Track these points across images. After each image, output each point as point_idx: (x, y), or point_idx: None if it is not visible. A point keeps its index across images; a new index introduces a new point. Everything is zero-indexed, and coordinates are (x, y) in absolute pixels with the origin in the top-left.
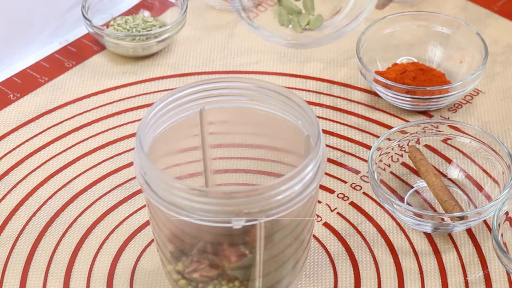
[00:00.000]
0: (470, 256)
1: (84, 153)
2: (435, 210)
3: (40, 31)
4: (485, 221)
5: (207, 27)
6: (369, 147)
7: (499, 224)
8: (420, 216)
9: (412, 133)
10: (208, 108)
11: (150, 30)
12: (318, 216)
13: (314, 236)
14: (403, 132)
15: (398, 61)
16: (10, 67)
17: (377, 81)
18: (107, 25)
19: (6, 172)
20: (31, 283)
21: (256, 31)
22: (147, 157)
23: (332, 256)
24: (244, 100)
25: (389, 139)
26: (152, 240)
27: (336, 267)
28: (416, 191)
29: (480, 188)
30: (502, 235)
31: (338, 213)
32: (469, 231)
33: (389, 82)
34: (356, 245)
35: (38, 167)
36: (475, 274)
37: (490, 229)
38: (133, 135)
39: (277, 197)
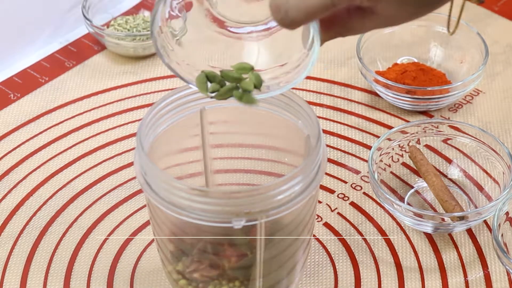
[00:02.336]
0: (470, 256)
1: (84, 153)
2: (435, 210)
3: (40, 31)
4: (485, 221)
5: None
6: (369, 147)
7: (499, 224)
8: (420, 216)
9: (413, 133)
10: (208, 108)
11: None
12: (318, 216)
13: (314, 236)
14: (403, 132)
15: (399, 61)
16: (10, 67)
17: (377, 81)
18: (107, 25)
19: (6, 172)
20: (31, 283)
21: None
22: (148, 157)
23: (332, 256)
24: None
25: (389, 139)
26: (152, 240)
27: (336, 267)
28: (417, 191)
29: (480, 188)
30: (502, 235)
31: (338, 213)
32: (469, 231)
33: (389, 82)
34: (356, 245)
35: (38, 167)
36: (476, 274)
37: (490, 229)
38: (133, 135)
39: (277, 197)
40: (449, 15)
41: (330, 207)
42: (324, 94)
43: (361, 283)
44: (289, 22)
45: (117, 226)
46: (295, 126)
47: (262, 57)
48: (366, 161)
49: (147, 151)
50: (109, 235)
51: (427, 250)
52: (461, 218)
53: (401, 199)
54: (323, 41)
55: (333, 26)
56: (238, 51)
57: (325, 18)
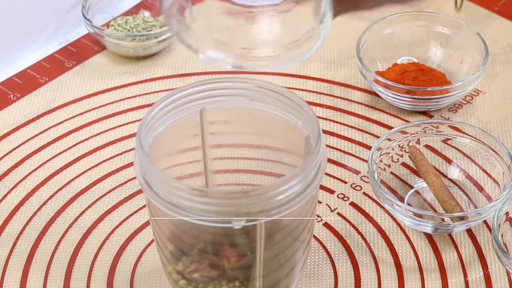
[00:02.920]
0: (470, 256)
1: (84, 153)
2: (435, 211)
3: (40, 31)
4: (485, 222)
5: None
6: (369, 147)
7: (499, 225)
8: (420, 216)
9: (412, 133)
10: (208, 108)
11: (150, 30)
12: (318, 216)
13: (314, 236)
14: (403, 132)
15: (399, 61)
16: (10, 67)
17: (377, 81)
18: (107, 25)
19: (6, 172)
20: (31, 283)
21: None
22: (148, 157)
23: (332, 256)
24: (244, 100)
25: (389, 139)
26: (152, 240)
27: (336, 267)
28: (416, 191)
29: (480, 188)
30: (502, 235)
31: (338, 213)
32: (469, 231)
33: (389, 82)
34: (356, 245)
35: (38, 167)
36: (475, 274)
37: (490, 230)
38: (133, 135)
39: (277, 197)
40: None
41: (330, 207)
42: (324, 94)
43: (361, 283)
44: None
45: (117, 226)
46: (295, 126)
47: (274, 30)
48: (366, 161)
49: (147, 151)
50: (109, 235)
51: (427, 250)
52: (461, 218)
53: (401, 199)
54: (336, 13)
55: None
56: (250, 27)
57: None
